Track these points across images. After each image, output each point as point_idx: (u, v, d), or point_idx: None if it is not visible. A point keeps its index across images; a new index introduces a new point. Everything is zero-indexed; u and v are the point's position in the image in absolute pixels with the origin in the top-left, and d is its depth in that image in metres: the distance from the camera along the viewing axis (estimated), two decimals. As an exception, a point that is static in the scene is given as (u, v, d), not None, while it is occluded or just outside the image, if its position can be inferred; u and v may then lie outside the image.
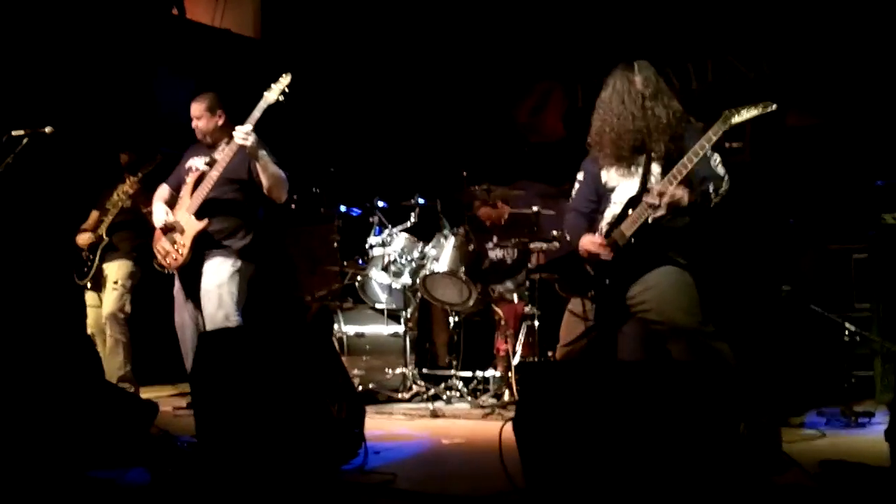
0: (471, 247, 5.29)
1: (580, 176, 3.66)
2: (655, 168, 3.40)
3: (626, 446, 2.53)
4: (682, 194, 3.26)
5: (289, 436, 3.15)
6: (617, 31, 6.56)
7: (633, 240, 3.33)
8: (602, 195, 3.55)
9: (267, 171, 4.58)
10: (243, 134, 4.46)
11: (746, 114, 3.27)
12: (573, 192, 3.68)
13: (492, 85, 7.29)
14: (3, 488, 2.96)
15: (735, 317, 4.13)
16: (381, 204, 5.74)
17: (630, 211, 3.37)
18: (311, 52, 7.43)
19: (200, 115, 4.81)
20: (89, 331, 5.25)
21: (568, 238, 3.65)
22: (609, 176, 3.51)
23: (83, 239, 5.28)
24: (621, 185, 3.47)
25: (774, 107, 3.28)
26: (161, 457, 3.30)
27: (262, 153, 4.56)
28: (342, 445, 3.36)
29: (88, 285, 5.27)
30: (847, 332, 4.63)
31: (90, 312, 5.29)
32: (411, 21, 7.35)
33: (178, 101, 7.15)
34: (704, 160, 3.30)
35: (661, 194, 3.23)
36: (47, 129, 4.70)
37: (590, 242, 3.43)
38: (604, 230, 3.46)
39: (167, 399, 5.50)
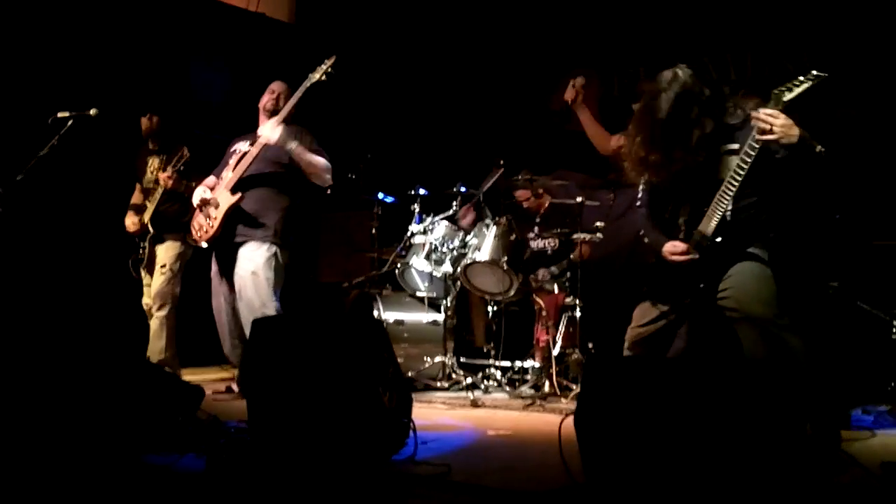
0: (513, 236, 5.26)
1: None
2: (726, 160, 3.30)
3: (691, 444, 2.50)
4: (791, 122, 3.09)
5: (342, 425, 3.14)
6: (654, 20, 6.49)
7: (718, 238, 3.26)
8: (674, 190, 3.46)
9: (302, 160, 4.62)
10: (270, 127, 4.60)
11: (797, 88, 3.09)
12: (640, 187, 3.59)
13: (529, 72, 7.23)
14: (60, 471, 2.97)
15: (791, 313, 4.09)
16: (422, 192, 5.71)
17: (704, 208, 3.28)
18: (347, 37, 7.39)
19: (285, 95, 4.90)
20: (144, 308, 5.29)
21: (646, 239, 3.54)
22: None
23: (131, 225, 5.28)
24: (697, 178, 3.37)
25: (825, 76, 3.09)
26: (214, 442, 3.30)
27: (293, 145, 4.62)
28: (393, 435, 3.35)
29: (145, 270, 5.28)
30: (895, 330, 4.57)
31: (146, 291, 5.30)
32: (449, 6, 7.29)
33: (211, 85, 7.17)
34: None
35: (772, 116, 3.07)
36: (92, 112, 4.74)
37: (672, 252, 3.35)
38: (681, 228, 3.38)
39: (207, 383, 5.50)
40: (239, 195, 4.66)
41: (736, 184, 3.19)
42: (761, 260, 3.28)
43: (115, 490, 2.83)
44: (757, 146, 3.14)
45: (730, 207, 3.24)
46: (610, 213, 5.10)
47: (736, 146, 3.27)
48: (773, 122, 3.08)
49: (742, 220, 3.27)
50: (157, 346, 5.09)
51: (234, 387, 5.00)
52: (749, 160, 3.16)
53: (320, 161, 4.73)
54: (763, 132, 3.10)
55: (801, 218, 5.12)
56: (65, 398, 3.26)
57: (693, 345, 3.69)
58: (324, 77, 4.65)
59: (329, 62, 4.67)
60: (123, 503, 2.74)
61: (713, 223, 3.25)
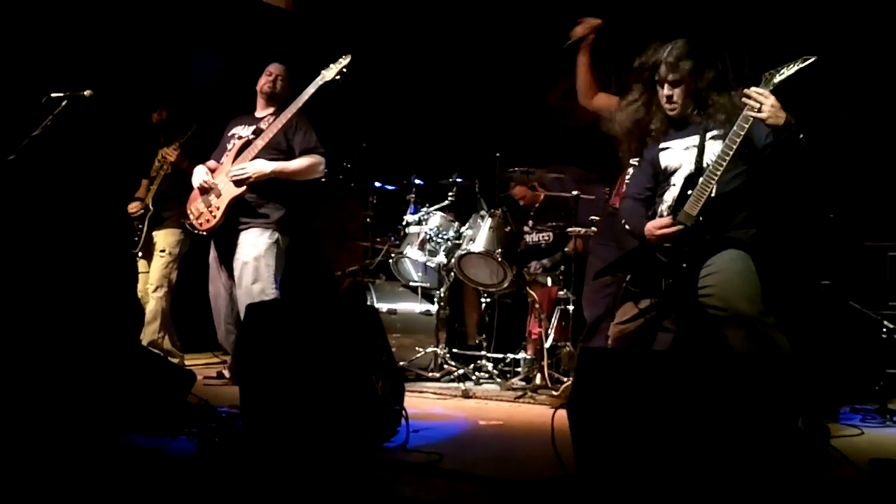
0: (507, 228, 5.25)
1: (634, 161, 3.60)
2: (711, 145, 3.34)
3: (683, 437, 2.51)
4: (780, 106, 3.12)
5: (334, 410, 3.15)
6: (651, 16, 6.48)
7: (700, 218, 3.26)
8: (660, 180, 3.50)
9: (285, 174, 4.61)
10: (240, 172, 4.58)
11: (787, 71, 3.15)
12: (628, 178, 3.62)
13: (526, 66, 7.21)
14: (47, 453, 2.96)
15: (779, 310, 4.11)
16: (418, 182, 5.70)
17: (689, 192, 3.30)
18: (343, 25, 7.36)
19: (283, 77, 4.86)
20: (139, 295, 5.28)
21: (627, 226, 3.56)
22: (669, 160, 3.45)
23: (132, 207, 5.28)
24: (682, 167, 3.41)
25: (813, 59, 3.14)
26: (205, 426, 3.29)
27: (269, 170, 4.59)
28: (385, 422, 3.35)
29: (140, 253, 5.27)
30: (885, 330, 4.59)
31: (140, 278, 5.29)
32: (448, -1, 7.28)
33: (209, 70, 7.14)
34: (759, 125, 3.22)
35: (763, 95, 3.11)
36: (86, 93, 4.72)
37: (656, 227, 3.35)
38: (664, 213, 3.40)
39: (198, 369, 5.49)
40: (244, 188, 4.61)
41: (721, 167, 3.21)
42: (744, 245, 3.28)
43: (100, 471, 2.83)
44: (745, 125, 3.16)
45: (714, 190, 3.25)
46: (605, 207, 5.09)
47: (721, 132, 3.31)
48: (764, 101, 3.11)
49: (726, 201, 3.28)
50: (150, 328, 5.10)
51: (226, 372, 5.00)
52: (735, 144, 3.18)
53: (302, 165, 4.68)
54: (753, 109, 3.13)
55: (791, 214, 5.14)
56: (49, 380, 3.25)
57: (682, 335, 3.71)
58: (338, 77, 4.62)
59: (344, 61, 4.63)
60: (111, 484, 2.73)
61: (698, 205, 3.26)
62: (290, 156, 4.72)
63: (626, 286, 3.48)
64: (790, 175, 3.41)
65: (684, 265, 3.29)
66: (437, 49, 7.36)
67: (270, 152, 4.70)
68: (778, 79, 3.15)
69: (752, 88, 3.15)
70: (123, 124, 5.82)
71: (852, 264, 5.15)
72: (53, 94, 4.67)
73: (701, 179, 3.26)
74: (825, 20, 5.91)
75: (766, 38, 6.19)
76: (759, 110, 3.11)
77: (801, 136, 3.17)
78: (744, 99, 3.16)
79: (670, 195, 3.41)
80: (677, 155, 3.44)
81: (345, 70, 4.62)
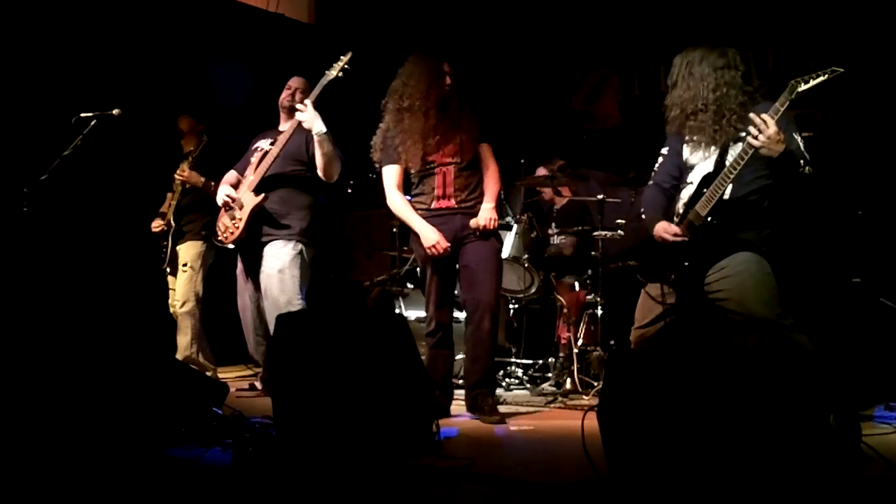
0: (533, 234, 5.26)
1: (664, 150, 3.59)
2: (734, 146, 3.33)
3: (714, 436, 2.50)
4: (780, 137, 3.14)
5: (365, 418, 3.17)
6: (674, 18, 6.47)
7: (709, 218, 3.27)
8: (683, 171, 3.50)
9: (322, 148, 4.62)
10: (302, 105, 4.57)
11: (813, 81, 3.15)
12: (656, 166, 3.62)
13: (548, 71, 7.23)
14: (86, 466, 3.01)
15: (808, 308, 4.07)
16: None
17: (705, 190, 3.31)
18: (367, 37, 7.41)
19: (303, 90, 4.91)
20: (171, 310, 5.35)
21: (643, 213, 3.57)
22: (689, 153, 3.46)
23: (154, 225, 5.36)
24: (700, 164, 3.41)
25: (841, 71, 3.16)
26: (239, 437, 3.33)
27: (319, 127, 4.58)
28: (416, 429, 3.37)
29: (168, 269, 5.34)
30: (918, 327, 4.54)
31: (171, 294, 5.36)
32: (468, 6, 7.30)
33: (231, 85, 7.22)
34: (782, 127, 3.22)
35: (764, 123, 3.12)
36: (115, 112, 4.81)
37: (663, 231, 3.37)
38: (680, 211, 3.41)
39: (230, 381, 5.54)
40: (263, 196, 4.69)
41: (735, 171, 3.22)
42: (755, 246, 3.27)
43: (141, 484, 2.87)
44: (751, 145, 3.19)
45: (728, 191, 3.26)
46: (632, 210, 5.09)
47: (743, 133, 3.29)
48: (763, 129, 3.12)
49: (741, 204, 3.28)
50: (182, 343, 5.16)
51: (258, 384, 5.05)
52: (750, 150, 3.19)
53: (337, 154, 4.75)
54: (751, 135, 3.15)
55: (820, 211, 5.11)
56: (89, 395, 3.31)
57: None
58: (340, 73, 4.68)
59: (345, 58, 4.68)
60: (149, 496, 2.77)
61: (710, 204, 3.27)
62: (310, 167, 4.78)
63: (637, 275, 3.51)
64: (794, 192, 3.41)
65: (686, 263, 3.30)
66: (459, 58, 7.38)
67: (290, 164, 4.78)
68: (803, 87, 3.15)
69: (755, 115, 3.15)
70: (150, 142, 5.90)
71: (883, 261, 5.10)
72: (83, 115, 4.77)
73: (716, 181, 3.27)
74: (850, 19, 5.87)
75: (789, 37, 6.16)
76: (757, 138, 3.13)
77: (807, 169, 3.20)
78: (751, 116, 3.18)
79: (686, 193, 3.42)
80: (700, 151, 3.43)
81: (347, 66, 4.67)
